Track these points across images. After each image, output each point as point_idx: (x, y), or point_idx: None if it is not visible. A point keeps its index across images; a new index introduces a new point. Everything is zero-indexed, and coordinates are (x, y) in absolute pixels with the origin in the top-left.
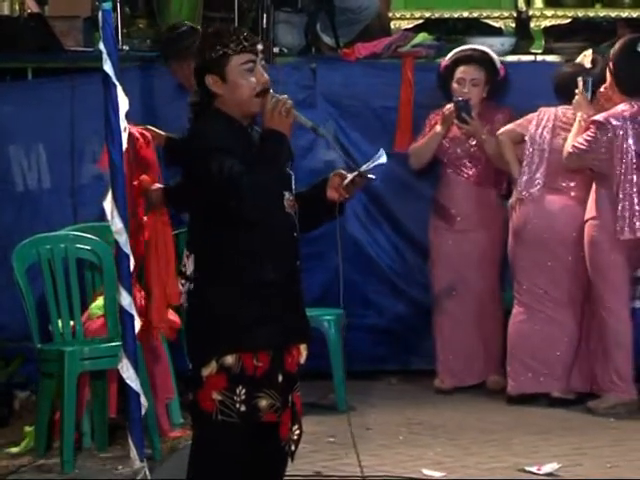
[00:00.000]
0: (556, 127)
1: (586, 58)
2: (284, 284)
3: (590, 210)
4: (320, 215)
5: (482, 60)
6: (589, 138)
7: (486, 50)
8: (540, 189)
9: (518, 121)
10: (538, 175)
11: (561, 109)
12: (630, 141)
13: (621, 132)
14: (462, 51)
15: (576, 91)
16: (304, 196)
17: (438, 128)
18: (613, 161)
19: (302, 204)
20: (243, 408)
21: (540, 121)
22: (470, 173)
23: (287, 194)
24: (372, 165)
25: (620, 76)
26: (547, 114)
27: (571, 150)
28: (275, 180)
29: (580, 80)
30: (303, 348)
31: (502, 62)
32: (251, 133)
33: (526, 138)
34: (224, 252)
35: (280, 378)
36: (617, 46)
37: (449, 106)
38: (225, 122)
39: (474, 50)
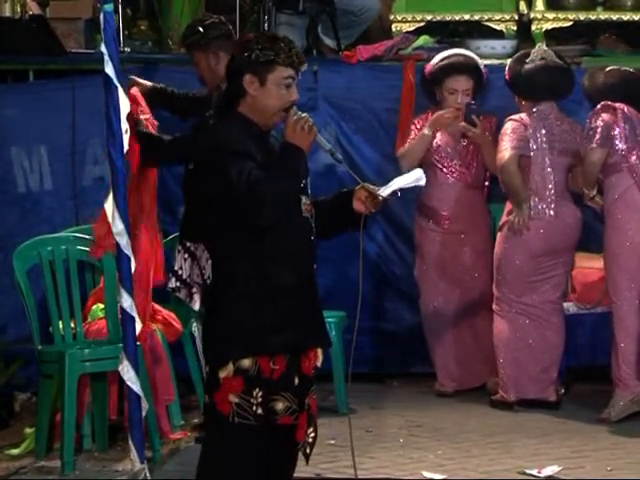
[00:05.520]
0: (552, 143)
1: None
2: (302, 288)
3: (607, 196)
4: (343, 225)
5: (472, 68)
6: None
7: (472, 56)
8: (552, 206)
9: (513, 142)
10: (548, 193)
11: (555, 121)
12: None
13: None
14: (449, 58)
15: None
16: (328, 204)
17: (426, 130)
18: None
19: (325, 212)
20: (260, 411)
21: (536, 138)
22: (460, 174)
23: (304, 198)
24: (410, 186)
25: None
26: (535, 128)
27: (596, 148)
28: (292, 190)
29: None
30: (320, 351)
31: (487, 65)
32: (269, 139)
33: (532, 158)
34: (244, 256)
35: (297, 381)
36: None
37: (447, 110)
38: (246, 125)
39: (463, 57)
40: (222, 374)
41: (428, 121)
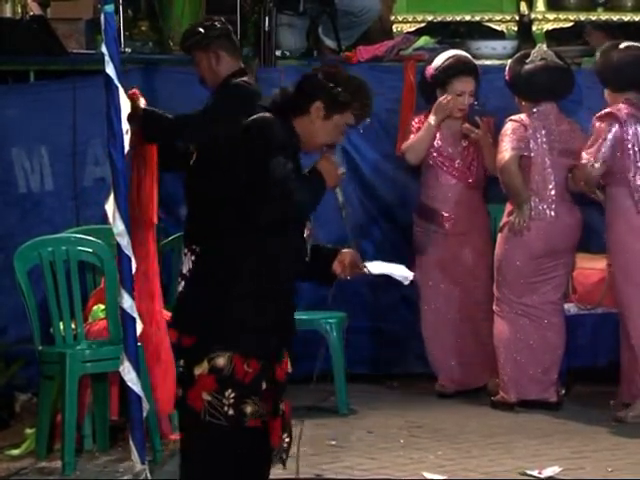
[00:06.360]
0: (552, 143)
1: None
2: (289, 296)
3: (609, 213)
4: (315, 275)
5: (474, 69)
6: (595, 141)
7: (470, 57)
8: (552, 206)
9: (513, 142)
10: (548, 193)
11: (555, 122)
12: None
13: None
14: (453, 59)
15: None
16: (311, 251)
17: (432, 120)
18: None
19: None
20: (231, 412)
21: (536, 138)
22: (461, 174)
23: (308, 223)
24: (394, 277)
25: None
26: (535, 128)
27: (595, 163)
28: (310, 204)
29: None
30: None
31: (488, 66)
32: (299, 157)
33: (532, 158)
34: (244, 256)
35: (264, 386)
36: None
37: (445, 96)
38: (291, 136)
39: (467, 58)
40: (197, 371)
41: (433, 111)
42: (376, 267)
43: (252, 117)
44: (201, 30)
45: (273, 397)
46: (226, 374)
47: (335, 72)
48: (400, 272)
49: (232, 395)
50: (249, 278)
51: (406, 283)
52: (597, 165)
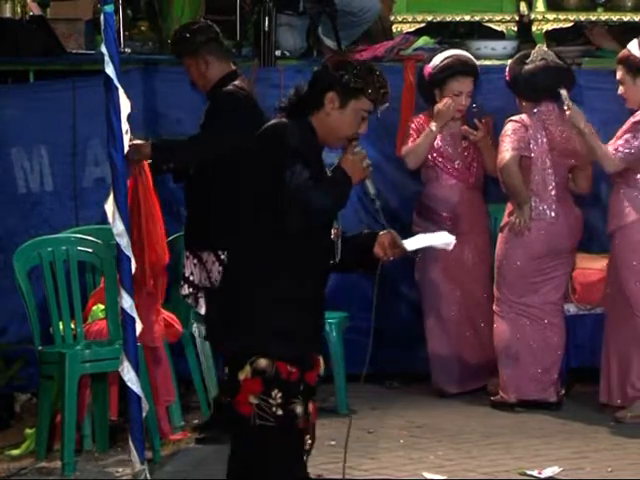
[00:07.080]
0: (552, 143)
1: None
2: (318, 299)
3: (622, 215)
4: (360, 264)
5: (474, 69)
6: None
7: (470, 56)
8: (553, 207)
9: (514, 143)
10: (549, 194)
11: (555, 122)
12: None
13: None
14: (452, 59)
15: (566, 105)
16: (349, 240)
17: (433, 127)
18: None
19: (345, 247)
20: (280, 412)
21: (536, 138)
22: (461, 175)
23: (334, 223)
24: (435, 246)
25: None
26: (536, 129)
27: (615, 155)
28: (333, 209)
29: (562, 92)
30: (321, 360)
31: (488, 66)
32: (322, 156)
33: (533, 159)
34: (269, 261)
35: (301, 387)
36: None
37: (445, 100)
38: (310, 135)
39: (466, 58)
40: (241, 376)
41: (434, 117)
42: (416, 242)
43: (265, 126)
44: (187, 35)
45: (305, 399)
46: (270, 375)
47: (343, 60)
48: (440, 240)
49: (279, 395)
50: (275, 283)
51: (449, 249)
52: (619, 157)
